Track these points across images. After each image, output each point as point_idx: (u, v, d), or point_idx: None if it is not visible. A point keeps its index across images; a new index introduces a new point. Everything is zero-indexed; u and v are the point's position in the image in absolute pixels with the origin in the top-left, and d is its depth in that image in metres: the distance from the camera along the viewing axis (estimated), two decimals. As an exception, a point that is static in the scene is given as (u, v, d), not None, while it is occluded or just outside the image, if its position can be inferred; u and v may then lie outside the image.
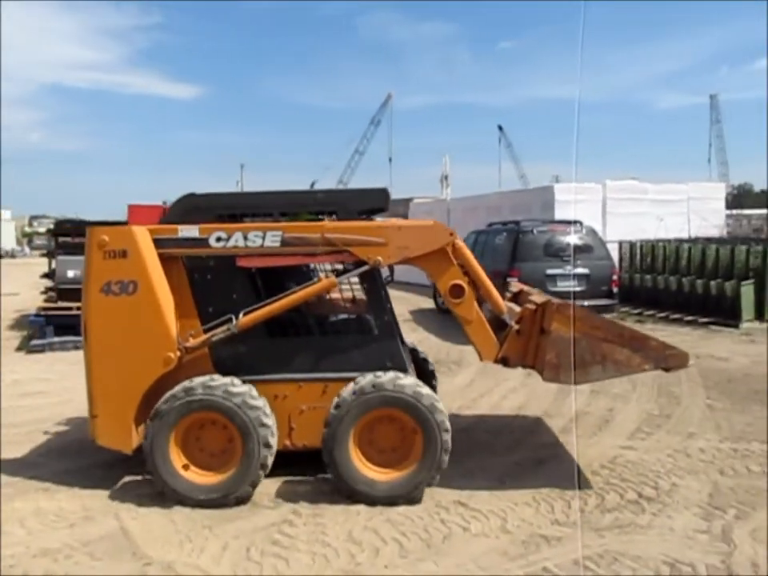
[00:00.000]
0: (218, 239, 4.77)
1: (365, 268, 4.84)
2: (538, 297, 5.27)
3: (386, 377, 4.60)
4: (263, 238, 4.76)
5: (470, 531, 4.21)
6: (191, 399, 4.54)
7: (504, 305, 5.09)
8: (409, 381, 4.62)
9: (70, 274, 11.23)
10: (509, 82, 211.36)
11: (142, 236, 4.76)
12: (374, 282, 5.05)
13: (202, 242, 4.78)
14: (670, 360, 4.81)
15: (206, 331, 4.86)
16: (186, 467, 4.62)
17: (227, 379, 4.65)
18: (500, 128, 75.83)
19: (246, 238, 4.76)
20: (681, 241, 15.75)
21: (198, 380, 4.62)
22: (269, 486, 4.83)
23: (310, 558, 3.90)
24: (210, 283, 4.94)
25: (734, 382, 8.15)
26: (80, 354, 4.99)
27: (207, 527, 4.28)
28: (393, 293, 5.56)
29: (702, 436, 6.04)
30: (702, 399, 7.34)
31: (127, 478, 5.06)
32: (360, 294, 5.24)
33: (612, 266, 12.31)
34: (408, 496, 4.58)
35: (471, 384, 8.31)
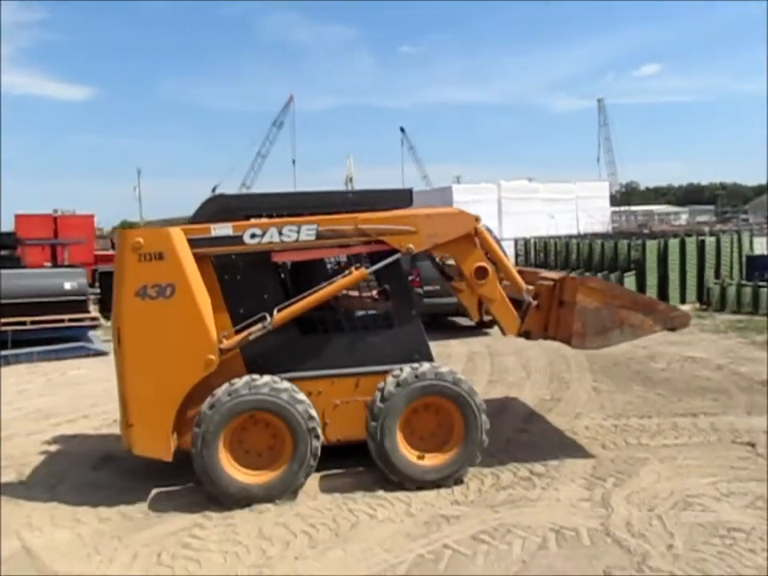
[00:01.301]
0: (253, 236, 4.74)
1: (397, 256, 4.98)
2: (550, 274, 5.70)
3: (425, 367, 4.82)
4: (298, 232, 4.78)
5: (376, 518, 4.43)
6: (239, 401, 4.54)
7: (523, 284, 5.29)
8: (446, 369, 4.89)
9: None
10: (410, 84, 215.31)
11: (178, 237, 4.65)
12: (399, 276, 5.24)
13: (235, 240, 4.74)
14: (675, 320, 5.28)
15: (237, 331, 4.81)
16: (236, 469, 4.62)
17: (267, 377, 4.66)
18: (402, 130, 76.94)
19: (280, 233, 4.76)
20: (570, 237, 16.81)
21: (240, 381, 4.61)
22: (180, 494, 4.89)
23: (222, 557, 3.99)
24: (240, 282, 4.91)
25: (618, 366, 8.83)
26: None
27: (116, 538, 4.28)
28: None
29: (587, 415, 6.56)
30: (589, 383, 7.94)
31: (25, 497, 4.95)
32: (386, 289, 5.36)
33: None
34: (455, 477, 4.85)
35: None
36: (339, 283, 4.90)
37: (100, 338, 11.63)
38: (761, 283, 12.50)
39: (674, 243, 14.09)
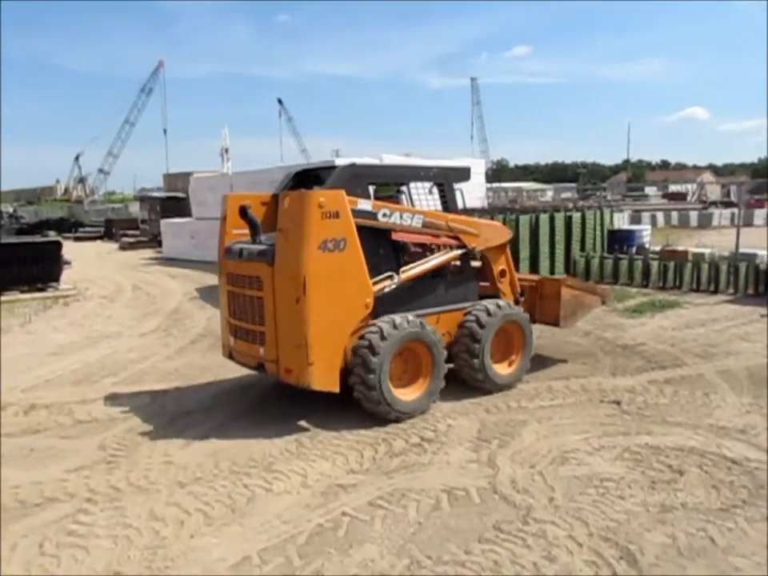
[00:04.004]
0: (384, 215, 5.86)
1: (463, 251, 6.49)
2: (527, 276, 8.50)
3: (502, 302, 6.59)
4: (412, 219, 6.05)
5: (272, 491, 4.43)
6: (406, 332, 5.64)
7: (518, 286, 7.19)
8: (512, 304, 6.71)
9: None
10: (288, 55, 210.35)
11: (346, 200, 5.49)
12: (468, 253, 6.68)
13: (372, 215, 5.78)
14: (606, 297, 7.93)
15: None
16: (396, 389, 5.63)
17: (403, 314, 5.77)
18: (280, 101, 75.46)
19: (401, 217, 5.96)
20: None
21: (396, 318, 5.65)
22: (59, 483, 4.61)
23: (111, 541, 3.83)
24: (369, 248, 5.70)
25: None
26: None
27: (-11, 530, 3.97)
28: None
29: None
30: (471, 351, 8.27)
31: None
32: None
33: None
34: (519, 381, 6.61)
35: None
36: (446, 258, 6.41)
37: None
38: (620, 255, 13.54)
39: (544, 218, 14.86)
